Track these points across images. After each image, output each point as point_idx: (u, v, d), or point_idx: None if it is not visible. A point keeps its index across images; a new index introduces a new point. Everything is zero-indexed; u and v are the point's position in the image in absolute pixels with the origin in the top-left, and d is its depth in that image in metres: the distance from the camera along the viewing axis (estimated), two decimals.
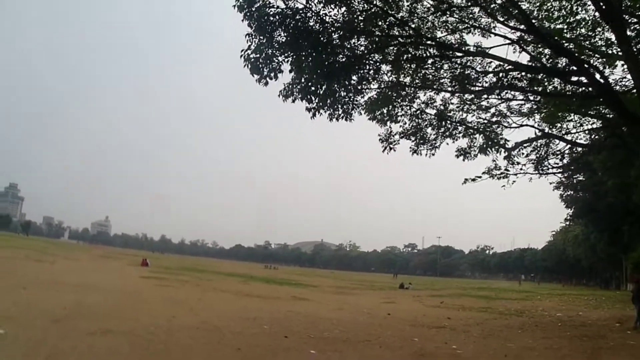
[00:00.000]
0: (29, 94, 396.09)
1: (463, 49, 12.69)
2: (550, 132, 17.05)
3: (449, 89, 14.41)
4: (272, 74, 10.92)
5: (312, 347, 9.67)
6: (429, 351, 10.03)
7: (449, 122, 15.67)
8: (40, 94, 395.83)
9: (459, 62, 13.36)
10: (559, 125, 16.99)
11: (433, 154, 15.95)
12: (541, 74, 13.79)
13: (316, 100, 11.81)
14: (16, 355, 7.11)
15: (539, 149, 17.69)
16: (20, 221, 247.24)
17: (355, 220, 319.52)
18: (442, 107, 15.41)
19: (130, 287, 19.99)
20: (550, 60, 13.45)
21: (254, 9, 10.25)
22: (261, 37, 10.63)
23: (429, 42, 12.20)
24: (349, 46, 11.59)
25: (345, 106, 12.44)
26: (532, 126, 16.67)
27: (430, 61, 13.07)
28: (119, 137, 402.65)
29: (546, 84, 14.42)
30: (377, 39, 11.84)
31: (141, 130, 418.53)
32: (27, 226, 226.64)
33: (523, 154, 17.39)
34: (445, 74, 13.79)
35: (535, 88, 14.48)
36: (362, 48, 11.85)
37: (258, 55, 10.73)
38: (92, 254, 60.73)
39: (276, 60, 10.85)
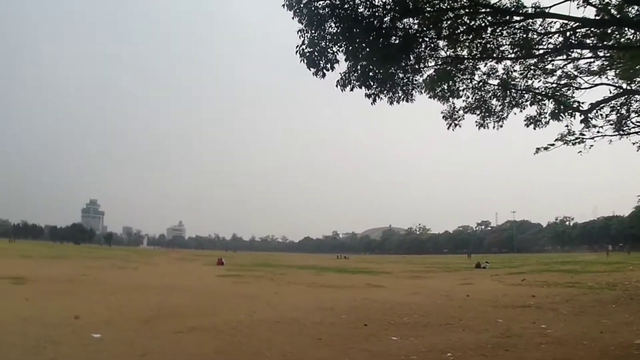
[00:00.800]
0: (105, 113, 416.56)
1: (521, 12, 12.00)
2: (629, 88, 15.78)
3: (511, 56, 13.68)
4: (329, 65, 10.82)
5: (393, 334, 9.55)
6: (515, 332, 9.59)
7: (513, 90, 14.94)
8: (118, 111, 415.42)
9: (518, 26, 12.65)
10: (638, 79, 15.67)
11: (501, 126, 15.30)
12: (611, 27, 12.83)
13: (374, 86, 11.60)
14: (115, 355, 7.49)
15: (618, 108, 16.35)
16: (103, 233, 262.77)
17: (422, 203, 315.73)
18: (505, 76, 14.69)
19: (209, 286, 20.56)
20: (620, 10, 12.46)
21: (302, 5, 10.18)
22: (312, 31, 10.54)
23: (483, 10, 11.63)
24: (401, 27, 11.25)
25: (404, 87, 12.15)
26: (607, 84, 15.47)
27: (487, 30, 12.47)
28: (189, 150, 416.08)
29: (618, 36, 13.37)
30: (429, 16, 11.43)
31: (207, 140, 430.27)
32: (109, 237, 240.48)
33: (600, 115, 16.18)
34: (504, 41, 13.08)
35: (606, 43, 13.47)
36: (415, 27, 11.47)
37: (312, 49, 10.68)
38: (170, 258, 63.38)
39: (330, 52, 10.74)
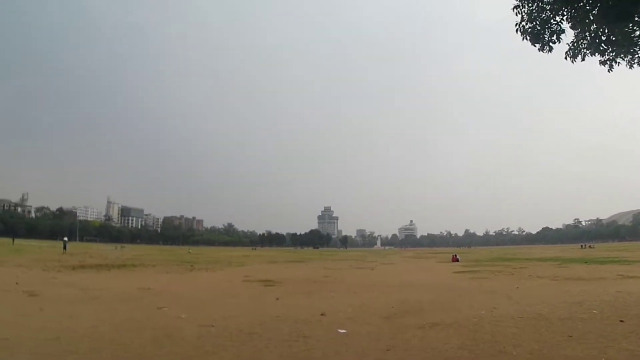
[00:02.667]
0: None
1: None
2: None
3: None
4: (554, 37, 9.74)
5: None
6: None
7: None
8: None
9: None
10: None
11: None
12: None
13: (609, 50, 9.98)
14: (361, 349, 7.73)
15: None
16: (338, 237, 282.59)
17: None
18: None
19: (446, 282, 20.37)
20: None
21: None
22: (529, 4, 9.60)
23: None
24: None
25: None
26: None
27: None
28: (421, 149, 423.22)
29: None
30: None
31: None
32: (345, 240, 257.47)
33: None
34: None
35: None
36: None
37: (533, 24, 9.72)
38: (404, 256, 64.92)
39: (554, 22, 9.62)
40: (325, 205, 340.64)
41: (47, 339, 8.05)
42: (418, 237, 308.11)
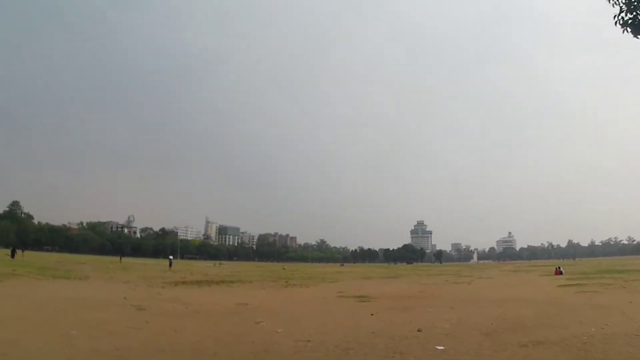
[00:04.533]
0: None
1: None
2: None
3: None
4: None
5: None
6: None
7: None
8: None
9: None
10: None
11: None
12: None
13: None
14: None
15: None
16: (433, 251, 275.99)
17: None
18: None
19: (550, 297, 19.24)
20: None
21: None
22: None
23: None
24: None
25: None
26: None
27: None
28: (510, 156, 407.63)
29: None
30: None
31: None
32: (439, 255, 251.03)
33: None
34: None
35: None
36: None
37: (635, 14, 9.07)
38: (503, 270, 62.09)
39: None
40: (418, 220, 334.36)
41: (154, 351, 8.59)
42: (517, 249, 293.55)
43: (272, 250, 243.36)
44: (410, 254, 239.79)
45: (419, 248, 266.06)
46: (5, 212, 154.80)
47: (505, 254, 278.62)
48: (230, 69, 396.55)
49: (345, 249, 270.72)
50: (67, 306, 14.95)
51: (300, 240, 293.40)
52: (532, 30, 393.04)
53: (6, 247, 78.48)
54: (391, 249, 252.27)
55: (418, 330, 10.69)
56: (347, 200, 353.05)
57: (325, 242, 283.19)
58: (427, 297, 20.74)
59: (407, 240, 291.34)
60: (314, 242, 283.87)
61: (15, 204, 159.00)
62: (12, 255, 49.84)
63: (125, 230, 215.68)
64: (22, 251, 74.89)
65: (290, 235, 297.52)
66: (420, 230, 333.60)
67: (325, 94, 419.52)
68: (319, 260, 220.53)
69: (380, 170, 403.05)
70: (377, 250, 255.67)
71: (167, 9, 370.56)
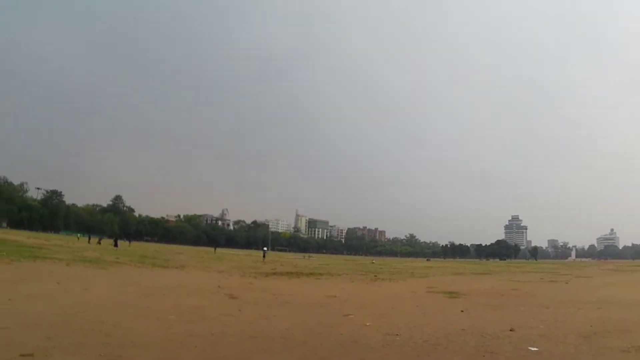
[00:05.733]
0: None
1: None
2: None
3: None
4: None
5: None
6: None
7: None
8: None
9: None
10: None
11: None
12: None
13: None
14: None
15: None
16: (528, 248, 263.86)
17: None
18: None
19: None
20: None
21: None
22: None
23: None
24: None
25: None
26: None
27: None
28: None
29: None
30: None
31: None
32: (534, 251, 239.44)
33: None
34: None
35: None
36: None
37: None
38: (603, 269, 58.21)
39: None
40: (513, 214, 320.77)
41: (246, 337, 9.12)
42: (620, 247, 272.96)
43: (361, 244, 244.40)
44: (503, 250, 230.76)
45: (513, 244, 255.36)
46: (109, 205, 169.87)
47: (606, 252, 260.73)
48: (321, 65, 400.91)
49: (435, 244, 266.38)
50: (165, 292, 16.16)
51: (389, 235, 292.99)
52: None
53: (110, 237, 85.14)
54: (483, 244, 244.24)
55: (510, 330, 10.45)
56: (437, 194, 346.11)
57: (415, 236, 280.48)
58: (521, 295, 20.01)
59: (500, 235, 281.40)
60: (403, 237, 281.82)
61: (118, 198, 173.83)
62: (115, 245, 54.52)
63: (219, 222, 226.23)
64: (129, 242, 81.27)
65: (379, 229, 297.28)
66: (514, 226, 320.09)
67: (411, 91, 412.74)
68: (408, 254, 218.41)
69: (472, 163, 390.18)
70: (469, 245, 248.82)
71: (251, 13, 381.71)
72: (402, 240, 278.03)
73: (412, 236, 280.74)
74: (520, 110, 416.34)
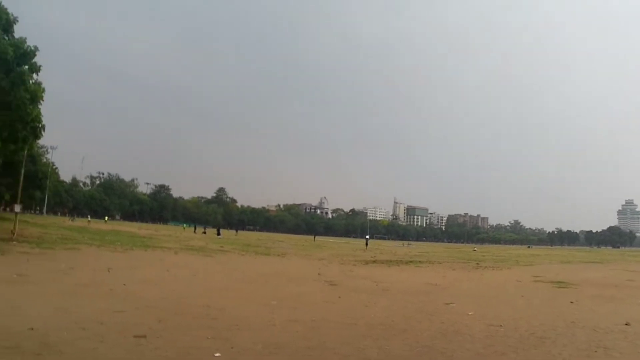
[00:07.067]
0: None
1: None
2: None
3: None
4: None
5: None
6: None
7: None
8: None
9: None
10: None
11: None
12: None
13: None
14: None
15: None
16: None
17: None
18: None
19: None
20: None
21: None
22: None
23: None
24: None
25: None
26: None
27: None
28: None
29: None
30: None
31: None
32: None
33: None
34: None
35: None
36: None
37: None
38: None
39: None
40: (627, 199, 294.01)
41: (346, 323, 9.32)
42: None
43: (462, 231, 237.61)
44: (616, 237, 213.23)
45: (628, 230, 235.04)
46: (213, 197, 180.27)
47: None
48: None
49: (541, 231, 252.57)
50: (268, 279, 16.90)
51: (492, 221, 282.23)
52: None
53: (213, 227, 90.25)
54: (594, 231, 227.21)
55: (626, 324, 9.76)
56: (544, 179, 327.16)
57: (520, 223, 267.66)
58: (637, 287, 18.54)
59: (613, 221, 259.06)
60: (507, 223, 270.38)
61: (221, 190, 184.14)
62: (218, 233, 58.14)
63: (318, 211, 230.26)
64: (236, 231, 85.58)
65: (482, 215, 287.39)
66: (629, 211, 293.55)
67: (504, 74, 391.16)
68: (513, 242, 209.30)
69: (576, 146, 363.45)
70: (578, 232, 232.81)
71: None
72: (506, 227, 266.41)
73: (516, 222, 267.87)
74: None
